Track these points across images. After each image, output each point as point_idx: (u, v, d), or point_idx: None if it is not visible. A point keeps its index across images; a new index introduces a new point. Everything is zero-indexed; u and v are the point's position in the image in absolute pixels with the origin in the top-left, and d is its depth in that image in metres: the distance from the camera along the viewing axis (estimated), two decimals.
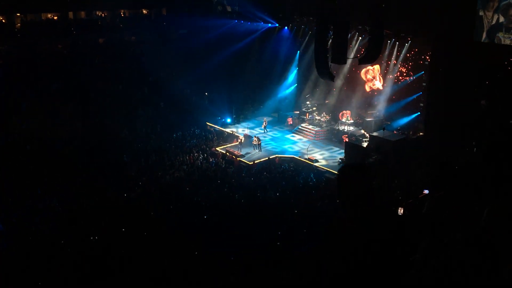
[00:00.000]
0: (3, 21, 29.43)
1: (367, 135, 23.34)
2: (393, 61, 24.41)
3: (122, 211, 15.35)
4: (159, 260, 11.60)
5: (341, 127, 25.39)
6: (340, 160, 22.11)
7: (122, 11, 33.91)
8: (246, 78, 29.90)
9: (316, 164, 21.90)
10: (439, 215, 4.50)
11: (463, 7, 19.89)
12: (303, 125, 26.80)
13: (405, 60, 24.05)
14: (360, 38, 25.23)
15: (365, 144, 22.73)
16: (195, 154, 21.97)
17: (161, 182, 18.96)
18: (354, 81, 26.49)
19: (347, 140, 23.77)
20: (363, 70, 25.70)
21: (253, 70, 30.25)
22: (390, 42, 24.13)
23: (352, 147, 22.29)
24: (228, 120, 27.86)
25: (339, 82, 26.44)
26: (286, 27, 29.60)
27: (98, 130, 23.27)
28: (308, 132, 26.20)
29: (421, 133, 23.01)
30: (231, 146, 24.14)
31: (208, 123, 27.00)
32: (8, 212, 15.64)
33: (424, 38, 22.30)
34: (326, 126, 26.16)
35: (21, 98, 24.71)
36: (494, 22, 19.16)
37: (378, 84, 25.52)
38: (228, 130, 26.55)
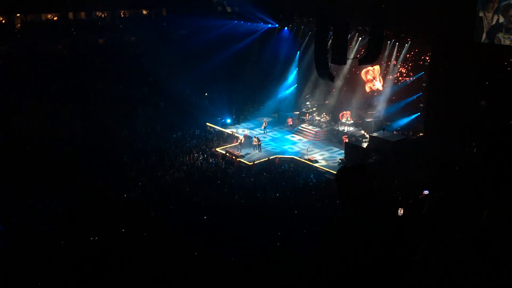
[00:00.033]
0: (3, 21, 29.43)
1: (367, 135, 23.34)
2: (393, 61, 24.42)
3: (122, 212, 15.34)
4: (159, 260, 11.59)
5: (341, 128, 25.39)
6: (340, 161, 22.11)
7: (122, 11, 33.89)
8: (246, 79, 29.90)
9: (316, 164, 21.90)
10: (439, 216, 4.50)
11: (463, 7, 19.91)
12: (303, 125, 26.80)
13: (405, 61, 24.06)
14: (360, 38, 25.24)
15: (365, 145, 22.74)
16: (195, 154, 21.97)
17: (161, 182, 18.95)
18: (354, 82, 26.50)
19: (347, 140, 23.78)
20: (363, 71, 25.71)
21: (253, 70, 30.25)
22: (390, 43, 24.14)
23: (352, 147, 22.29)
24: (228, 121, 27.86)
25: (339, 82, 26.44)
26: (286, 28, 29.61)
27: (98, 130, 23.26)
28: (308, 132, 26.20)
29: (421, 134, 23.02)
30: (231, 146, 24.13)
31: (208, 124, 26.99)
32: (8, 212, 15.63)
33: (424, 39, 22.31)
34: (326, 127, 26.16)
35: (21, 98, 24.70)
36: (494, 22, 19.17)
37: (378, 84, 25.53)
38: (228, 130, 26.55)
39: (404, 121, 23.90)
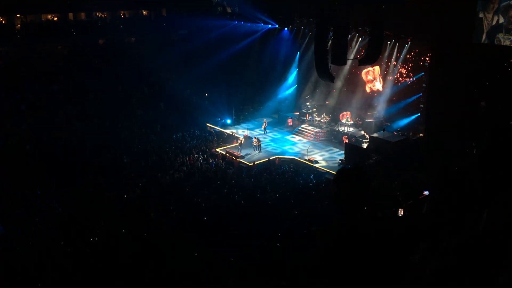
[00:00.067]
0: (3, 22, 29.48)
1: (367, 136, 23.35)
2: (393, 62, 24.42)
3: (122, 212, 15.34)
4: (159, 260, 11.59)
5: (341, 128, 25.38)
6: (340, 161, 22.11)
7: (122, 12, 33.96)
8: (246, 79, 29.93)
9: (316, 165, 21.89)
10: (439, 217, 4.50)
11: (463, 8, 19.92)
12: (303, 126, 26.80)
13: (405, 61, 24.06)
14: (360, 39, 25.24)
15: (365, 145, 22.74)
16: (195, 155, 21.96)
17: (161, 183, 18.96)
18: (354, 82, 26.51)
19: (347, 141, 23.77)
20: (363, 71, 25.72)
21: (253, 71, 30.27)
22: (390, 43, 24.14)
23: (352, 148, 22.29)
24: (228, 121, 27.86)
25: (339, 83, 26.45)
26: (286, 28, 29.62)
27: (98, 130, 23.28)
28: (308, 133, 26.20)
29: (421, 134, 23.03)
30: (231, 147, 24.13)
31: (208, 124, 26.99)
32: (8, 212, 15.63)
33: (424, 40, 22.31)
34: (326, 127, 26.16)
35: (21, 99, 24.73)
36: (494, 23, 19.19)
37: (378, 85, 25.53)
38: (228, 131, 26.55)
39: (404, 121, 23.90)
